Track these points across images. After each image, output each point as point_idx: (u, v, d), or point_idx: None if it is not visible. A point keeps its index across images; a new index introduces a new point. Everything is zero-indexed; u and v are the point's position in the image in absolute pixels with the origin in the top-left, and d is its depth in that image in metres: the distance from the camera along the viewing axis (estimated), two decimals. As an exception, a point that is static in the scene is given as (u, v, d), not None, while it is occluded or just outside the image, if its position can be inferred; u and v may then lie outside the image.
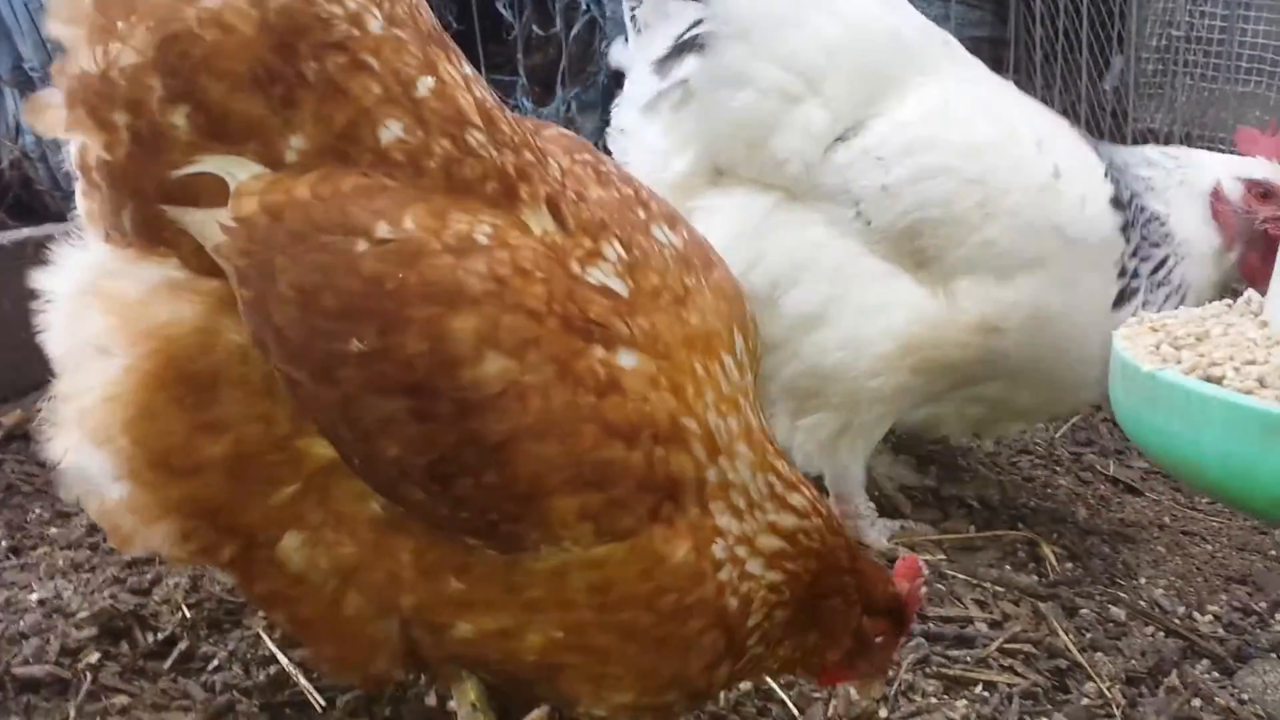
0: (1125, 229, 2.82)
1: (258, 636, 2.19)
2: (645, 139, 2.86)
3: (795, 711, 2.17)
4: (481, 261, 1.49)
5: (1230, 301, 2.04)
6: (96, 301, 1.58)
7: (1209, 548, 3.21)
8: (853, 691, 2.04)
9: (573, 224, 1.61)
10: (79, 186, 1.64)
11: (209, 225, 1.52)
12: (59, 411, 1.63)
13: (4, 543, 2.59)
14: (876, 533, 2.92)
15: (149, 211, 1.57)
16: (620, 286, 1.60)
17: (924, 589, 1.89)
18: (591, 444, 1.49)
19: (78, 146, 1.60)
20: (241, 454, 1.56)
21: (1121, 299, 2.81)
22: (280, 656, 2.13)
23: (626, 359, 1.54)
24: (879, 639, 1.79)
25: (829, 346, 2.76)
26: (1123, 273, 2.81)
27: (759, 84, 2.71)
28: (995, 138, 2.79)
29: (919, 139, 2.75)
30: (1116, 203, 2.82)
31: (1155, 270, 2.84)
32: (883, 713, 2.23)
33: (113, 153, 1.56)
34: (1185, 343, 1.82)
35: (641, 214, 1.75)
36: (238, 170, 1.53)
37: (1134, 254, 2.82)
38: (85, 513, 2.67)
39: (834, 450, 2.88)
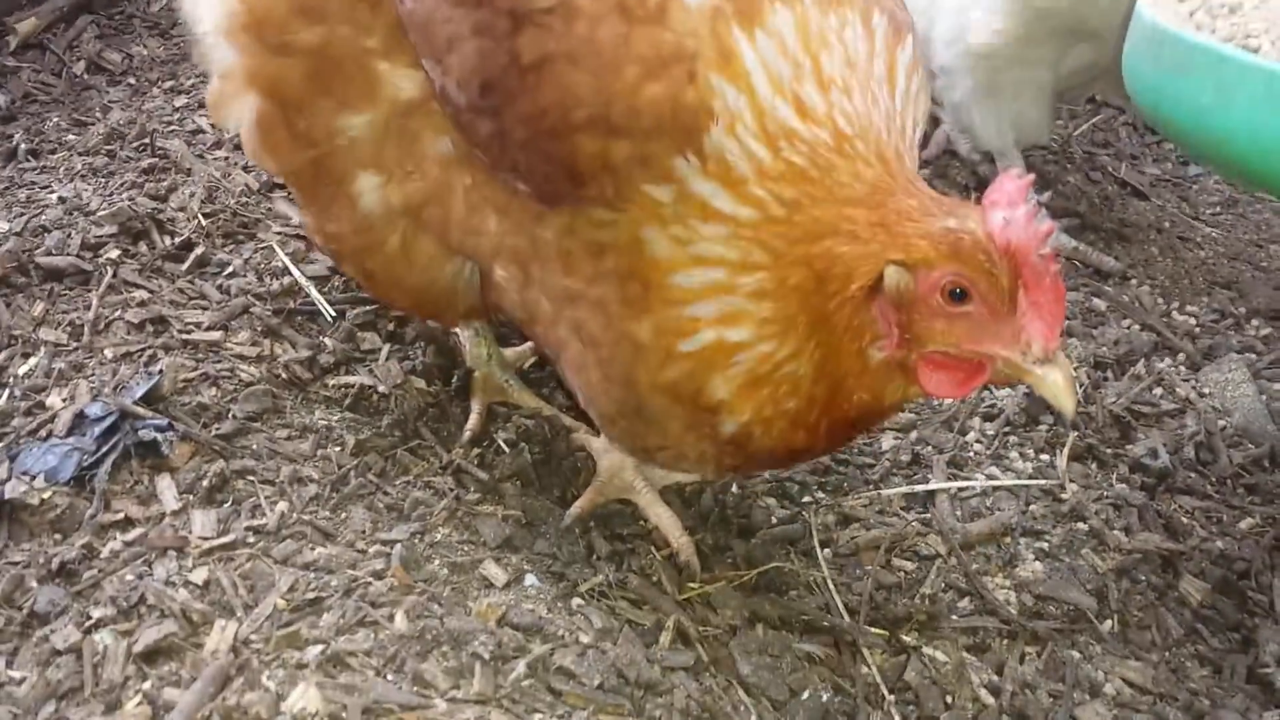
0: None
1: (271, 249, 2.27)
2: None
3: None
4: None
5: None
6: None
7: (1202, 254, 3.26)
8: None
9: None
10: None
11: None
12: None
13: (23, 146, 2.64)
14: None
15: None
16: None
17: (1029, 219, 1.32)
18: (630, 84, 1.40)
19: None
20: (326, 53, 1.62)
21: None
22: (293, 269, 2.22)
23: None
24: (953, 293, 1.38)
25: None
26: None
27: None
28: None
29: None
30: None
31: None
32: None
33: None
34: (1219, 12, 1.77)
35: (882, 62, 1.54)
36: None
37: None
38: (108, 120, 2.75)
39: (969, 114, 3.09)
